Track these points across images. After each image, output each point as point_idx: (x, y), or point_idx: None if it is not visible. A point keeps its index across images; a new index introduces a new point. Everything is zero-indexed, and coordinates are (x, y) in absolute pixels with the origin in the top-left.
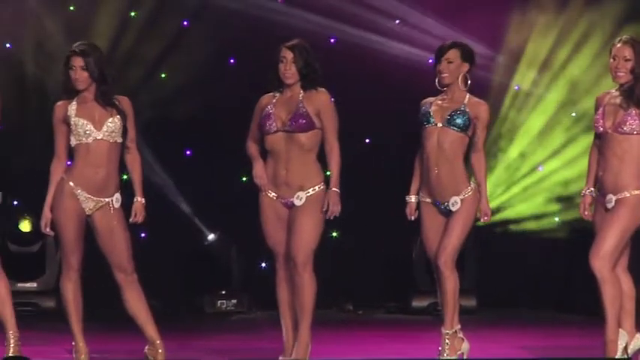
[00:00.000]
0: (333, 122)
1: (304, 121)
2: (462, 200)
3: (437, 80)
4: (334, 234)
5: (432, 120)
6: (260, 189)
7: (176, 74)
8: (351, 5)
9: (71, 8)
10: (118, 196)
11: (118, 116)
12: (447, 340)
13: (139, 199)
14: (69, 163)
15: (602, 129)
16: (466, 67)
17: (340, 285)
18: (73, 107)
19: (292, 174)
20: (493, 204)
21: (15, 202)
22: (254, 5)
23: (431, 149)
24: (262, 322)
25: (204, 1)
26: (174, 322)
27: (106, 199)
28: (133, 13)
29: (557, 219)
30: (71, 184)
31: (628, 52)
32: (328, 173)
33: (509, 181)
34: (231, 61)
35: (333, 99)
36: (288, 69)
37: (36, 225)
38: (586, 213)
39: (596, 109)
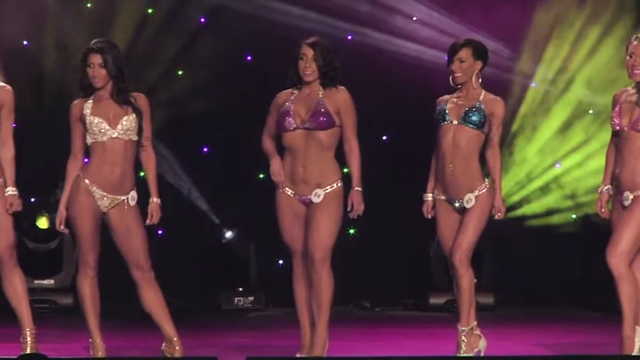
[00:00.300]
0: (353, 121)
1: (324, 118)
2: (476, 197)
3: (450, 79)
4: (351, 231)
5: (447, 118)
6: (277, 186)
7: (193, 71)
8: (366, 4)
9: (88, 5)
10: (133, 193)
11: (134, 114)
12: (463, 337)
13: (155, 200)
14: (86, 160)
15: (618, 127)
16: (479, 64)
17: (357, 282)
18: (88, 106)
19: (310, 171)
20: (511, 200)
21: (32, 200)
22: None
23: (446, 147)
24: (279, 320)
25: None
26: (192, 320)
27: (122, 197)
28: (150, 10)
29: (574, 216)
30: (87, 181)
31: None
32: (346, 170)
33: (527, 177)
34: (248, 57)
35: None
36: (309, 66)
37: (53, 222)
38: (603, 210)
39: (613, 106)
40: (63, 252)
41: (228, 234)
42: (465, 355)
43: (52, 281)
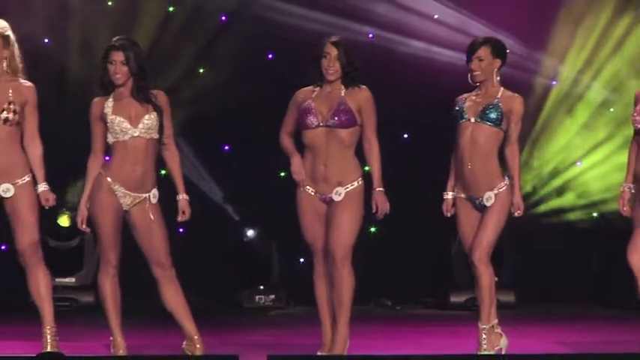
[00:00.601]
0: (374, 120)
1: (347, 117)
2: (495, 195)
3: (469, 77)
4: (372, 229)
5: (465, 115)
6: (298, 184)
7: (214, 69)
8: (384, 4)
9: (110, 3)
10: (155, 191)
11: (155, 112)
12: (484, 335)
13: (183, 196)
14: (107, 158)
15: (639, 125)
16: (498, 63)
17: (378, 280)
18: (109, 104)
19: (331, 169)
20: (533, 198)
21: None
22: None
23: (465, 144)
24: (300, 318)
25: None
26: (213, 318)
27: (144, 195)
28: (171, 8)
29: (595, 214)
30: (109, 179)
31: None
32: (367, 169)
33: (548, 175)
34: (270, 56)
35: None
36: (332, 65)
37: (74, 220)
38: (625, 208)
39: (635, 104)
40: (84, 250)
41: (250, 232)
42: (486, 353)
43: (73, 279)
